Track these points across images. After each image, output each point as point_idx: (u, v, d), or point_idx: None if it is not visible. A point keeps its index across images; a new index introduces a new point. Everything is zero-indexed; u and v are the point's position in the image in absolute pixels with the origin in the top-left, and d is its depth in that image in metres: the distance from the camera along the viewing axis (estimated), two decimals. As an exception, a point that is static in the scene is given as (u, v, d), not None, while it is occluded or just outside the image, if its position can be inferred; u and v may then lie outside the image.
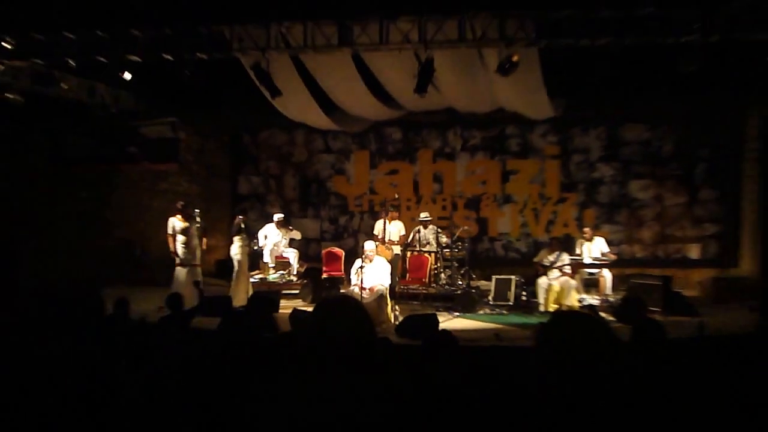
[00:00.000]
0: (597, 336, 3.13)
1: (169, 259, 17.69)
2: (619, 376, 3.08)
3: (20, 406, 4.01)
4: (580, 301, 17.02)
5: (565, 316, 3.63)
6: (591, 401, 2.97)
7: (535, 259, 18.25)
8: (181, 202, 17.91)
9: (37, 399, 4.03)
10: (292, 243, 19.89)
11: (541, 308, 17.04)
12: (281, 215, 19.79)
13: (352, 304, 3.60)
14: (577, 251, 18.16)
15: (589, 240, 18.11)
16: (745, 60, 15.86)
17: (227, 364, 4.90)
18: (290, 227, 19.82)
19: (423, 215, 19.61)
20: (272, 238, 19.30)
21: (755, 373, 5.72)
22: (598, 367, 3.03)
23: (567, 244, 18.77)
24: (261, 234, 19.25)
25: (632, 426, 3.03)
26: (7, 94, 17.09)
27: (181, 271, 17.18)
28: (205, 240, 17.98)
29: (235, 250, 17.91)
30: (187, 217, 17.41)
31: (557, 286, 17.02)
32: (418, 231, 19.27)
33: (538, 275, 17.52)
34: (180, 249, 17.28)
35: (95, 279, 17.21)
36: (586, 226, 19.52)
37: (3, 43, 16.05)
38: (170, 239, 17.40)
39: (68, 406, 3.98)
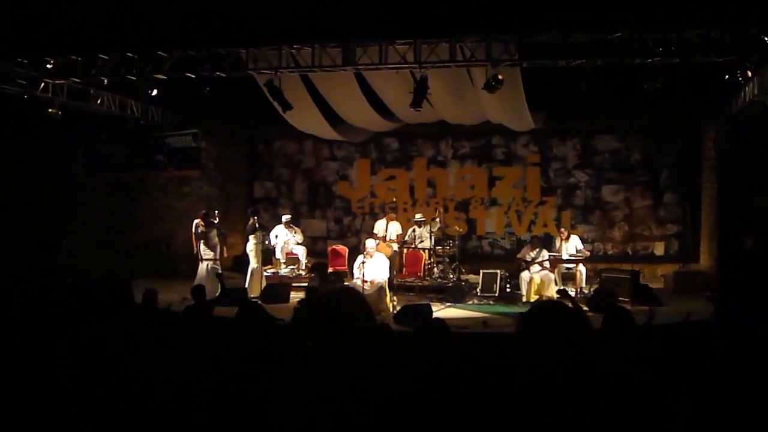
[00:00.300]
0: (571, 323, 3.15)
1: (191, 254, 17.76)
2: (590, 358, 3.10)
3: (55, 384, 4.02)
4: (558, 293, 17.05)
5: (543, 306, 3.65)
6: (566, 381, 2.99)
7: (519, 255, 18.27)
8: (204, 211, 18.01)
9: (71, 378, 4.05)
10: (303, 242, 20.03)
11: (524, 299, 17.10)
12: (288, 216, 19.86)
13: (354, 294, 3.61)
14: (556, 248, 18.19)
15: (566, 239, 18.13)
16: (702, 79, 15.93)
17: (245, 348, 4.93)
18: (294, 228, 19.86)
19: (418, 216, 19.65)
20: (282, 237, 19.36)
21: (710, 353, 5.76)
22: (572, 350, 3.05)
23: (546, 242, 18.83)
24: (272, 234, 19.28)
25: (604, 403, 3.05)
26: (49, 109, 17.15)
27: (203, 266, 17.27)
28: (225, 248, 18.04)
29: (250, 246, 17.96)
30: (208, 222, 17.49)
31: (538, 279, 17.09)
32: (414, 230, 19.30)
33: (521, 269, 17.57)
34: (202, 247, 17.37)
35: (126, 272, 17.24)
36: (563, 227, 19.53)
37: (45, 64, 16.13)
38: (193, 238, 17.53)
39: (100, 386, 3.99)
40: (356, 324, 3.38)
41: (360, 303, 3.50)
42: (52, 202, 21.89)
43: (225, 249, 18.11)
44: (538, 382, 3.04)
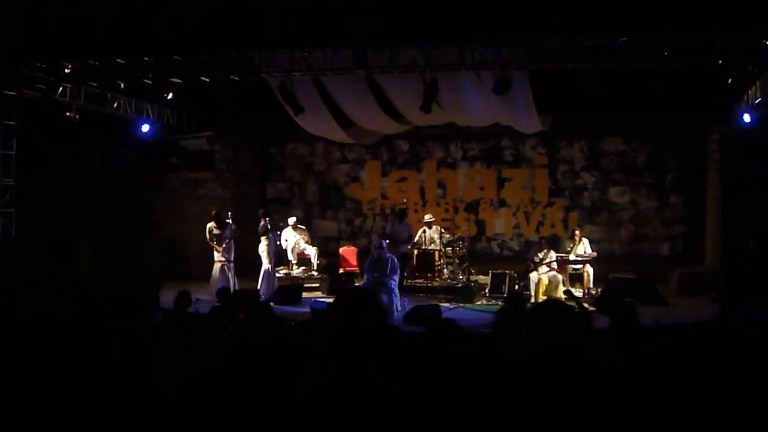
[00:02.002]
0: (571, 321, 3.17)
1: (206, 256, 17.79)
2: (591, 356, 3.12)
3: (74, 383, 4.05)
4: (564, 293, 17.01)
5: (540, 307, 3.66)
6: (566, 379, 3.01)
7: (529, 257, 18.27)
8: (214, 211, 17.99)
9: (90, 377, 4.08)
10: (313, 241, 20.07)
11: (532, 300, 17.01)
12: (294, 219, 20.03)
13: (368, 295, 3.63)
14: (567, 249, 18.19)
15: (579, 241, 18.11)
16: (706, 83, 15.94)
17: (257, 350, 4.94)
18: (301, 228, 19.98)
19: (427, 217, 19.65)
20: (291, 239, 19.45)
21: (715, 354, 5.76)
22: (572, 348, 3.07)
23: (555, 243, 18.81)
24: (282, 239, 19.33)
25: (607, 401, 3.07)
26: (67, 113, 17.24)
27: (216, 267, 17.27)
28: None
29: (262, 248, 17.91)
30: (221, 223, 17.46)
31: (546, 280, 17.03)
32: (424, 231, 19.28)
33: (530, 270, 17.51)
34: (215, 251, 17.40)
35: (154, 277, 17.27)
36: (576, 229, 19.34)
37: (63, 69, 16.21)
38: (210, 243, 17.54)
39: (117, 385, 4.02)
40: (370, 325, 3.41)
41: (373, 303, 3.53)
42: (70, 204, 21.97)
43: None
44: (539, 379, 3.06)
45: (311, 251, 19.71)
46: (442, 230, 19.50)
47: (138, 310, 4.70)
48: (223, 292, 12.80)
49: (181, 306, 11.05)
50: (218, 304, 12.15)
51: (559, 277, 17.17)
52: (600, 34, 13.78)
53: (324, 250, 21.24)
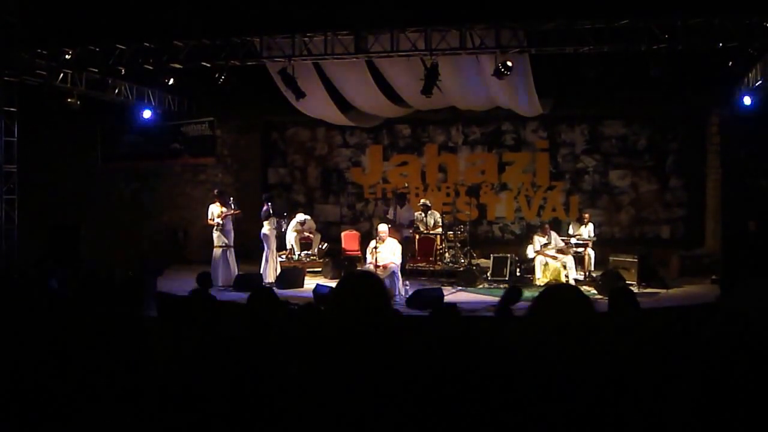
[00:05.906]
0: (579, 306, 3.16)
1: (207, 241, 17.72)
2: (597, 340, 3.11)
3: (69, 368, 4.04)
4: (566, 277, 17.00)
5: (550, 291, 3.65)
6: (572, 363, 3.00)
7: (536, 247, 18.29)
8: (216, 190, 17.95)
9: (85, 362, 4.07)
10: (316, 226, 20.07)
11: (534, 281, 17.01)
12: (305, 217, 19.89)
13: (372, 278, 3.62)
14: (573, 232, 18.23)
15: (585, 225, 18.14)
16: (707, 66, 15.92)
17: (256, 333, 4.92)
18: (304, 224, 19.89)
19: (423, 201, 19.54)
20: (292, 233, 19.41)
21: (715, 336, 5.76)
22: (579, 332, 3.06)
23: (556, 227, 18.82)
24: (290, 228, 19.31)
25: (611, 384, 3.07)
26: (68, 99, 17.21)
27: (217, 252, 17.18)
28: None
29: (265, 231, 17.88)
30: (224, 202, 17.36)
31: (555, 264, 17.00)
32: (422, 214, 19.22)
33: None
34: (215, 234, 17.21)
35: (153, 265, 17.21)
36: (585, 213, 19.35)
37: (64, 55, 16.19)
38: (210, 221, 17.38)
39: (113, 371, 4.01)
40: (374, 308, 3.40)
41: (377, 286, 3.52)
42: (71, 190, 21.98)
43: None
44: (545, 363, 3.05)
45: (314, 239, 19.74)
46: (439, 214, 19.45)
47: (134, 298, 4.69)
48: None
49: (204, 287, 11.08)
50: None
51: (564, 260, 17.10)
52: (600, 16, 13.75)
53: (326, 235, 21.22)
